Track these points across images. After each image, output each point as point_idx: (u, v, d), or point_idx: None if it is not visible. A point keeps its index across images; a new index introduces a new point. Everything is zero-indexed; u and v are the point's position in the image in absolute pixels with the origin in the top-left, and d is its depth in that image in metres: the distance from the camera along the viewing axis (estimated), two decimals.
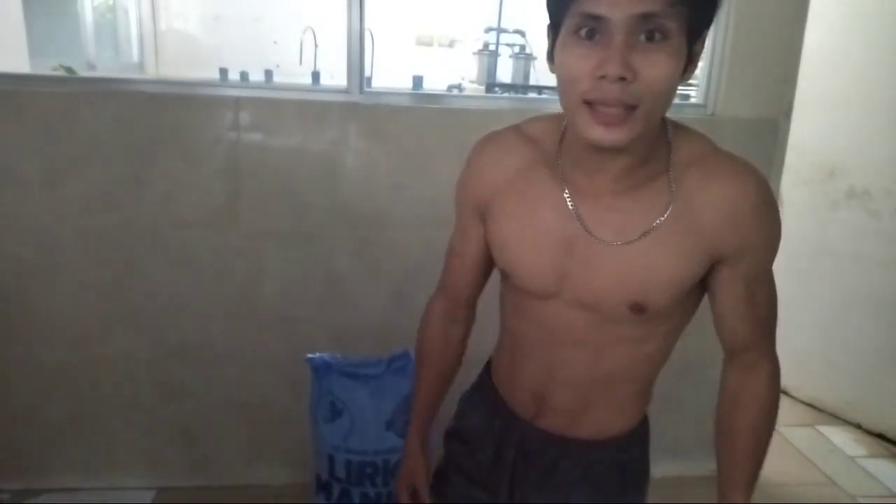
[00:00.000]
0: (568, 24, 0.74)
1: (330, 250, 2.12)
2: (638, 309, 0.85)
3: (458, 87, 3.68)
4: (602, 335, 0.90)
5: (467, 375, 1.19)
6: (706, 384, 2.50)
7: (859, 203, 2.79)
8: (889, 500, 2.40)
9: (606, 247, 0.85)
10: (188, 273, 2.09)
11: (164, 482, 2.23)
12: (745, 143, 2.15)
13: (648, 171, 0.83)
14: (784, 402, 3.01)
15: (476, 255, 1.03)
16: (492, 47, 4.12)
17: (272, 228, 2.09)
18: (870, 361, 2.79)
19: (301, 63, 3.99)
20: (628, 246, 0.84)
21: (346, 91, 2.05)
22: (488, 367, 1.13)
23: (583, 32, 0.73)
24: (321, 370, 1.84)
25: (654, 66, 0.72)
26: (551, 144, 0.90)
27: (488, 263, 1.04)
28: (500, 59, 4.09)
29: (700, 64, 2.28)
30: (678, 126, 0.87)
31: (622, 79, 0.71)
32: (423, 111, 2.09)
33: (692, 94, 2.45)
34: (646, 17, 0.70)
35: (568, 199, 0.87)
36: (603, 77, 0.71)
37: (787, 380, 3.05)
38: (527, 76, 3.89)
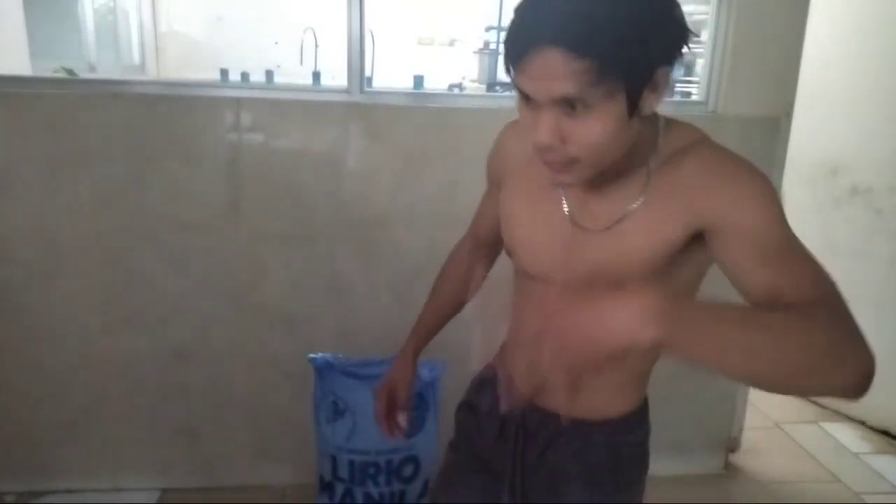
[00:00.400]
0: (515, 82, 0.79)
1: (331, 250, 2.12)
2: (616, 288, 0.85)
3: (459, 86, 3.68)
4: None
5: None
6: (706, 384, 2.52)
7: (862, 201, 2.78)
8: (894, 497, 2.40)
9: (587, 234, 0.91)
10: (190, 274, 2.09)
11: (168, 483, 2.23)
12: (746, 141, 2.14)
13: (628, 166, 0.87)
14: (788, 399, 3.01)
15: (496, 214, 1.11)
16: (493, 46, 4.11)
17: (274, 229, 2.09)
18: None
19: (302, 63, 3.99)
20: (604, 233, 0.89)
21: (346, 91, 2.05)
22: (501, 351, 1.17)
23: (523, 96, 0.79)
24: (324, 370, 1.84)
25: (583, 130, 0.76)
26: None
27: None
28: (501, 58, 4.07)
29: (701, 62, 2.29)
30: (671, 122, 0.90)
31: (551, 147, 0.77)
32: (424, 111, 2.09)
33: (693, 91, 2.45)
34: (564, 99, 0.74)
35: (560, 191, 0.94)
36: (539, 143, 0.78)
37: None
38: None
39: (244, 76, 3.08)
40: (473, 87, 3.90)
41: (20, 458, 2.17)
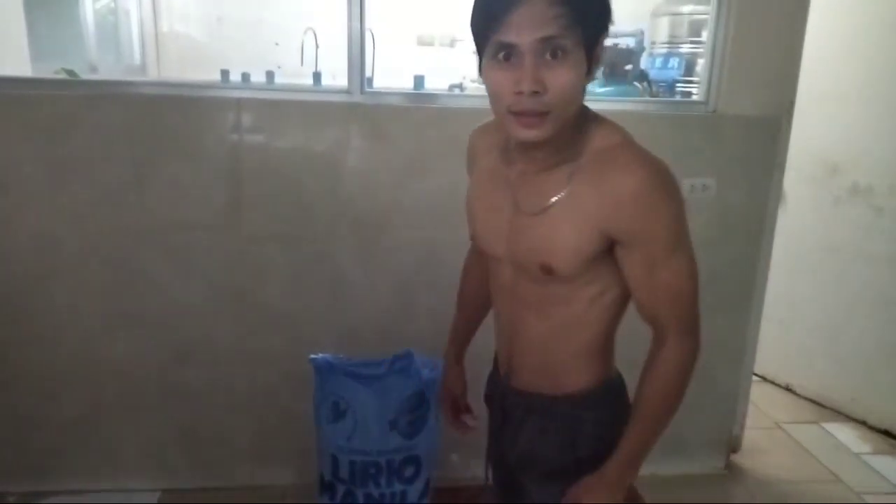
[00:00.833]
0: (489, 51, 0.92)
1: (332, 251, 2.12)
2: (546, 270, 1.01)
3: (460, 86, 3.68)
4: (537, 295, 1.07)
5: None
6: (706, 384, 2.51)
7: (863, 200, 2.78)
8: (894, 497, 2.40)
9: (524, 216, 1.04)
10: (191, 275, 2.09)
11: (169, 484, 2.23)
12: (747, 140, 2.14)
13: (561, 158, 1.00)
14: (789, 399, 3.03)
15: None
16: None
17: (274, 229, 2.09)
18: (875, 358, 2.78)
19: (302, 64, 3.99)
20: (536, 216, 1.02)
21: (347, 91, 2.05)
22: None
23: (501, 56, 0.91)
24: (324, 371, 1.84)
25: (559, 77, 0.90)
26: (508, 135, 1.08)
27: None
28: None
29: (701, 62, 2.29)
30: (599, 119, 1.02)
31: (535, 92, 0.89)
32: (425, 111, 2.09)
33: (694, 91, 2.45)
34: (547, 40, 0.88)
35: (511, 177, 1.07)
36: (520, 92, 0.90)
37: (791, 377, 3.07)
38: None
39: (245, 77, 3.08)
40: (474, 87, 3.89)
41: (21, 458, 2.17)
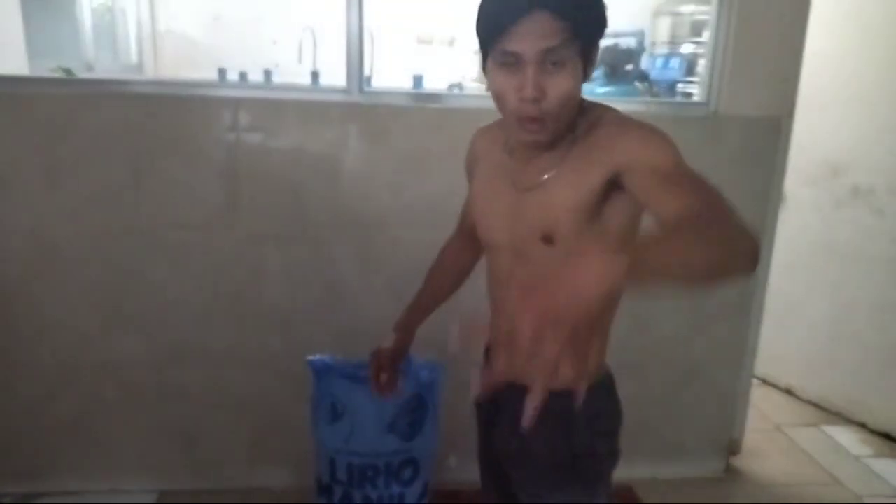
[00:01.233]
0: (494, 55, 0.98)
1: (330, 251, 2.11)
2: (547, 239, 1.04)
3: (459, 85, 3.67)
4: (533, 279, 1.02)
5: None
6: (706, 387, 2.51)
7: (864, 201, 2.77)
8: (894, 500, 2.39)
9: (522, 195, 1.08)
10: (188, 275, 2.08)
11: (166, 485, 2.22)
12: (747, 141, 2.13)
13: (558, 139, 1.05)
14: (789, 402, 3.02)
15: None
16: None
17: (272, 229, 2.08)
18: (875, 361, 2.77)
19: (300, 63, 3.98)
20: (533, 191, 1.06)
21: (345, 91, 2.03)
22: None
23: (505, 62, 0.96)
24: (322, 372, 1.82)
25: (559, 85, 0.96)
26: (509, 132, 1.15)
27: None
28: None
29: (702, 62, 2.28)
30: (592, 103, 1.08)
31: (536, 98, 0.95)
32: (424, 111, 2.08)
33: (695, 92, 2.44)
34: (549, 51, 0.94)
35: (510, 165, 1.12)
36: (523, 98, 0.96)
37: (792, 379, 3.06)
38: None
39: (242, 76, 3.08)
40: (473, 86, 3.89)
41: (18, 459, 2.16)
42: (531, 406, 0.85)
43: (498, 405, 1.20)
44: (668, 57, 3.83)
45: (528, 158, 1.09)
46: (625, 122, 1.02)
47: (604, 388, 1.15)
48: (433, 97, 2.14)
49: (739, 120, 2.13)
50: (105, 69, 3.82)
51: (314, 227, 2.09)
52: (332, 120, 2.04)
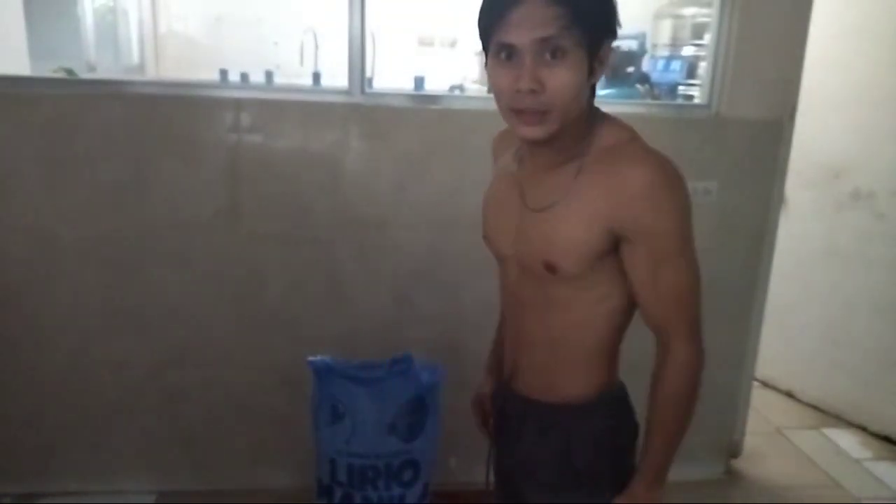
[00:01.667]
0: (492, 50, 0.95)
1: (331, 252, 2.11)
2: (550, 267, 1.01)
3: (460, 87, 3.67)
4: (539, 298, 1.07)
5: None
6: (706, 389, 2.50)
7: (865, 204, 2.77)
8: (894, 503, 2.39)
9: (530, 213, 1.04)
10: (189, 275, 2.08)
11: (165, 486, 2.22)
12: (749, 144, 2.13)
13: (568, 156, 1.01)
14: (789, 405, 3.01)
15: None
16: None
17: (273, 230, 2.08)
18: (875, 363, 2.77)
19: (302, 64, 3.98)
20: (541, 213, 1.02)
21: (347, 92, 2.03)
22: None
23: (502, 56, 0.94)
24: (323, 373, 1.83)
25: (557, 77, 0.92)
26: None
27: None
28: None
29: (704, 64, 2.28)
30: (607, 118, 1.04)
31: (533, 91, 0.91)
32: (425, 112, 2.08)
33: (696, 94, 2.44)
34: (545, 40, 0.90)
35: (520, 177, 1.09)
36: (519, 90, 0.92)
37: (792, 382, 3.06)
38: None
39: (244, 77, 3.07)
40: (475, 88, 3.89)
41: (17, 460, 2.16)
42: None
43: (504, 414, 1.19)
44: (669, 59, 3.84)
45: (535, 171, 1.05)
46: (637, 161, 0.95)
47: (613, 405, 1.12)
48: (434, 99, 2.14)
49: (740, 123, 2.13)
50: (107, 70, 3.82)
51: (315, 228, 2.09)
52: (333, 121, 2.04)
